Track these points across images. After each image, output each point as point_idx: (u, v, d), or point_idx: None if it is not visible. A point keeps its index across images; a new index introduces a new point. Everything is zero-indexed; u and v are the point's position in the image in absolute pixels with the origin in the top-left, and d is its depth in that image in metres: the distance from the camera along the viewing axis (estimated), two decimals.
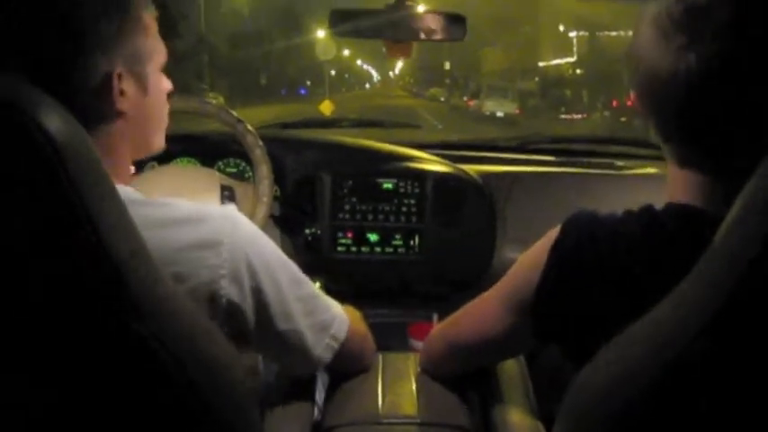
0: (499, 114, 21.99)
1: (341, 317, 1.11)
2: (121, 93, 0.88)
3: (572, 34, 33.33)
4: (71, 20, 0.82)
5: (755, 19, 0.78)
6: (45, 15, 0.81)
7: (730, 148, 0.82)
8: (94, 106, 0.87)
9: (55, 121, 0.62)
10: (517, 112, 22.64)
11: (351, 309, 1.20)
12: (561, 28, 34.08)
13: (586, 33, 31.58)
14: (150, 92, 0.94)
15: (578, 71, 31.37)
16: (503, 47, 39.78)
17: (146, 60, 0.92)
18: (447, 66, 43.51)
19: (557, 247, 0.92)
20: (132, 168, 1.00)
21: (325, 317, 1.09)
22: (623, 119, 17.58)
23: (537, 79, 32.31)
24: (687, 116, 0.82)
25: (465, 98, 28.89)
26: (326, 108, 10.11)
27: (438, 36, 1.47)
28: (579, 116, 23.00)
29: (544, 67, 34.98)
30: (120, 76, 0.87)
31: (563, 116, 23.88)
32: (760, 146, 0.63)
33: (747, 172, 0.63)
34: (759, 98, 0.79)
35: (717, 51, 0.78)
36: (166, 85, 1.02)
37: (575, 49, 32.86)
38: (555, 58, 34.33)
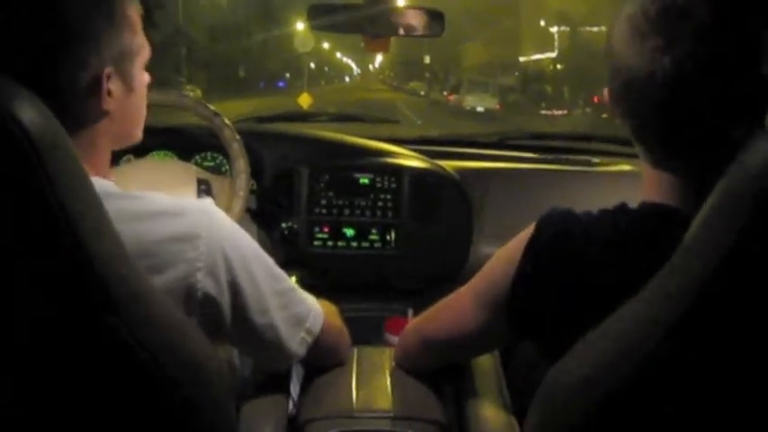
0: (479, 109, 21.95)
1: (316, 311, 1.12)
2: (109, 93, 0.88)
3: (553, 29, 33.34)
4: (61, 18, 0.82)
5: (732, 21, 0.78)
6: (35, 15, 0.81)
7: (702, 150, 0.83)
8: (82, 106, 0.87)
9: (30, 113, 0.62)
10: (498, 107, 22.57)
11: (326, 303, 1.21)
12: (542, 23, 34.16)
13: (567, 29, 31.59)
14: (135, 89, 0.95)
15: (559, 67, 31.41)
16: (483, 42, 39.79)
17: (132, 58, 0.93)
18: (427, 60, 43.52)
19: (531, 245, 0.92)
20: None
21: (299, 310, 1.09)
22: (604, 115, 17.57)
23: (517, 74, 32.25)
24: (661, 118, 0.83)
25: (445, 93, 28.86)
26: (305, 101, 10.06)
27: (416, 32, 1.48)
28: (560, 112, 23.13)
29: (525, 62, 34.91)
30: (108, 76, 0.88)
31: (544, 112, 23.95)
32: (730, 148, 0.65)
33: (718, 173, 0.64)
34: (732, 101, 0.80)
35: (692, 53, 0.78)
36: (146, 78, 1.02)
37: (556, 44, 32.83)
38: (535, 53, 34.33)
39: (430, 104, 28.03)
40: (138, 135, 1.03)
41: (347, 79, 78.75)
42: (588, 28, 28.53)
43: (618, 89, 0.87)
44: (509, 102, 25.12)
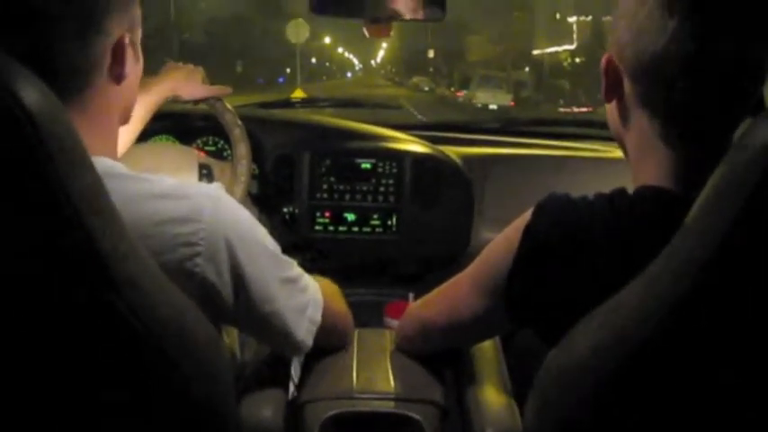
0: (492, 107, 21.14)
1: (315, 299, 1.13)
2: (122, 61, 0.92)
3: (571, 19, 32.30)
4: None
5: None
6: None
7: (709, 128, 0.86)
8: (98, 78, 0.90)
9: (29, 91, 0.65)
10: (511, 104, 22.22)
11: (328, 283, 1.24)
12: (557, 15, 33.20)
13: (588, 18, 30.49)
14: (140, 58, 0.99)
15: (578, 60, 30.41)
16: (490, 34, 39.09)
17: (138, 27, 0.97)
18: (431, 54, 42.96)
19: (529, 231, 0.94)
20: None
21: (304, 299, 1.11)
22: None
23: (527, 69, 31.10)
24: (675, 89, 0.84)
25: (452, 88, 28.06)
26: (298, 96, 10.13)
27: (417, 15, 1.54)
28: (582, 110, 21.00)
29: (539, 55, 33.41)
30: (124, 44, 0.91)
31: (562, 109, 22.73)
32: (733, 129, 0.69)
33: (718, 156, 0.67)
34: (746, 80, 0.83)
35: (712, 26, 0.81)
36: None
37: (574, 35, 31.74)
38: (551, 45, 32.74)
39: (437, 101, 27.30)
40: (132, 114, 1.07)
41: (349, 75, 78.60)
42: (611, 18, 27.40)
43: (629, 55, 0.88)
44: (522, 98, 24.33)
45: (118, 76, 0.92)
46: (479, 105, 21.23)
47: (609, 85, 0.94)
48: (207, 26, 29.25)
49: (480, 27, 39.62)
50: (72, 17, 0.84)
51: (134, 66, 0.96)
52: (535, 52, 33.69)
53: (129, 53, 0.93)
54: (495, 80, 23.72)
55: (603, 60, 0.93)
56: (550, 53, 32.89)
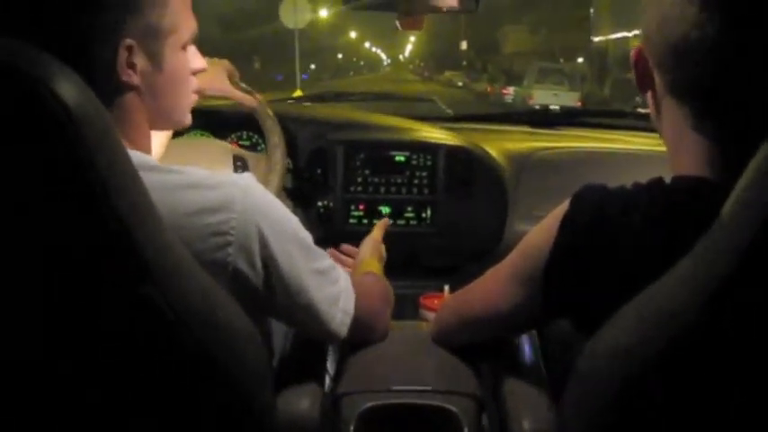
0: (554, 108, 14.88)
1: (347, 290, 1.18)
2: (130, 66, 0.95)
3: None
4: None
5: None
6: None
7: (741, 114, 0.88)
8: (108, 78, 0.93)
9: (67, 86, 0.68)
10: (579, 104, 17.50)
11: (372, 276, 1.34)
12: None
13: None
14: (166, 69, 1.01)
15: None
16: (531, 22, 37.52)
17: (160, 36, 0.98)
18: (464, 46, 41.84)
19: (566, 222, 0.97)
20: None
21: (336, 290, 1.16)
22: None
23: (581, 60, 28.14)
24: (702, 77, 0.87)
25: (496, 84, 24.78)
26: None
27: (452, 6, 1.62)
28: None
29: (600, 43, 29.19)
30: (130, 49, 0.94)
31: (641, 110, 17.92)
32: (764, 112, 0.72)
33: (756, 140, 0.69)
34: None
35: (736, 12, 0.83)
36: (197, 63, 1.12)
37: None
38: (617, 30, 27.51)
39: (475, 99, 24.58)
40: (182, 119, 1.11)
41: (379, 69, 78.63)
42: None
43: (660, 41, 0.91)
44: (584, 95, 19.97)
45: (128, 83, 0.96)
46: (537, 107, 15.26)
47: (640, 77, 0.99)
48: (222, 22, 29.23)
49: (518, 14, 38.37)
50: (95, 16, 0.90)
51: (151, 74, 0.99)
52: (596, 39, 29.32)
53: (140, 61, 0.96)
54: (557, 74, 19.62)
55: (633, 52, 0.98)
56: (616, 40, 28.03)
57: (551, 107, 14.44)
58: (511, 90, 21.25)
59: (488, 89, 25.92)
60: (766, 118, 0.83)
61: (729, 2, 0.84)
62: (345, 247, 1.69)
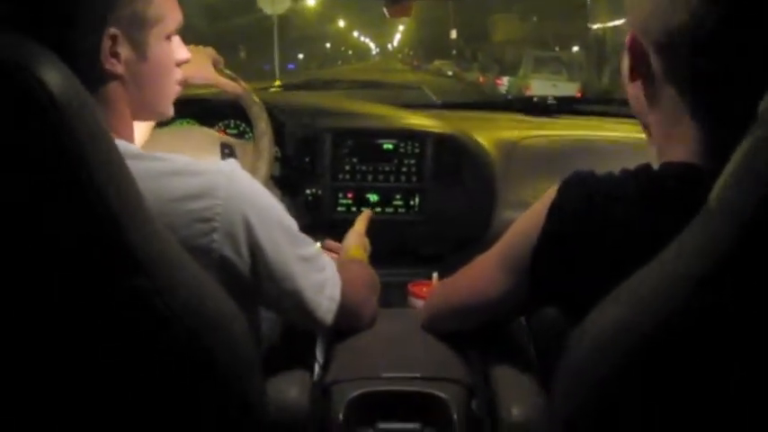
0: (552, 100, 15.50)
1: (333, 277, 1.20)
2: (114, 55, 0.96)
3: None
4: None
5: None
6: None
7: (736, 101, 0.85)
8: (91, 66, 0.94)
9: (53, 74, 0.68)
10: (578, 94, 15.74)
11: (358, 265, 1.34)
12: None
13: None
14: (150, 58, 1.02)
15: None
16: (519, 10, 37.37)
17: (145, 26, 1.00)
18: (453, 34, 41.32)
19: (554, 209, 0.98)
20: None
21: (323, 277, 1.17)
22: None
23: (576, 50, 26.68)
24: (700, 63, 0.87)
25: (487, 73, 24.16)
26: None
27: None
28: None
29: (597, 30, 27.20)
30: (114, 38, 0.95)
31: None
32: (758, 100, 0.70)
33: (744, 126, 0.69)
34: None
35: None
36: (181, 54, 1.14)
37: None
38: (615, 17, 27.41)
39: (468, 89, 23.65)
40: (165, 109, 1.13)
41: (366, 59, 78.52)
42: None
43: (653, 25, 0.91)
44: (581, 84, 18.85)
45: (111, 72, 0.97)
46: (535, 99, 13.16)
47: (635, 63, 0.97)
48: (208, 11, 29.02)
49: (508, 2, 38.02)
50: (80, 4, 0.91)
51: (135, 63, 1.01)
52: (595, 26, 27.73)
53: (124, 50, 0.98)
54: (554, 63, 19.09)
55: (628, 38, 0.97)
56: (614, 27, 26.49)
57: (549, 98, 13.68)
58: (504, 80, 20.62)
59: (481, 79, 25.38)
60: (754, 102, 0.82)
61: None
62: (329, 242, 1.71)
